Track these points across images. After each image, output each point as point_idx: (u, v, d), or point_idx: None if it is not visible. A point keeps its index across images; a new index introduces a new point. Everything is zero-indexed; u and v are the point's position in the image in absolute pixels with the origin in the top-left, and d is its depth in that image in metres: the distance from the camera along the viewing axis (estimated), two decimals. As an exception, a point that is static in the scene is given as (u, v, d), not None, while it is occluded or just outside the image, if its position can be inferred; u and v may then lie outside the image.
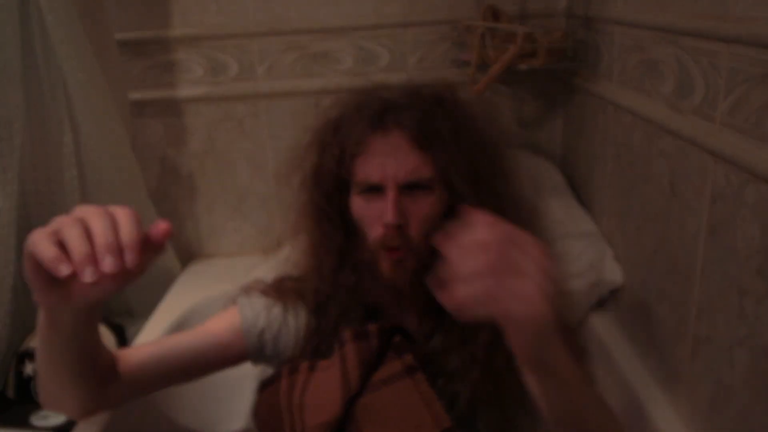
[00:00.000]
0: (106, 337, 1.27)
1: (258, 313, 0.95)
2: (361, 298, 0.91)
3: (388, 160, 0.83)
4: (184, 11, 1.38)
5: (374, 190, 0.84)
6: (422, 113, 0.85)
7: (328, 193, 0.90)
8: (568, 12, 1.35)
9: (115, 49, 1.33)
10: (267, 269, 1.05)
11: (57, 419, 1.11)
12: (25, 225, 1.36)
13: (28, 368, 1.18)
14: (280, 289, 0.96)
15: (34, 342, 1.20)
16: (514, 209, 0.92)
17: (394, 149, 0.83)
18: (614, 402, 0.80)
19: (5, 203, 1.19)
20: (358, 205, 0.87)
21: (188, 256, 1.56)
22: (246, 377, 1.33)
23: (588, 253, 1.14)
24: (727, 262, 0.76)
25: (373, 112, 0.86)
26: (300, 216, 0.94)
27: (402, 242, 0.83)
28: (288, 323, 0.95)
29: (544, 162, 1.42)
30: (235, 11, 1.38)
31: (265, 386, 0.88)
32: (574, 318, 1.14)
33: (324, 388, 0.82)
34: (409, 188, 0.83)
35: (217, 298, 1.32)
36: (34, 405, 1.16)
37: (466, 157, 0.86)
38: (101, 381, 0.81)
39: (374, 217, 0.84)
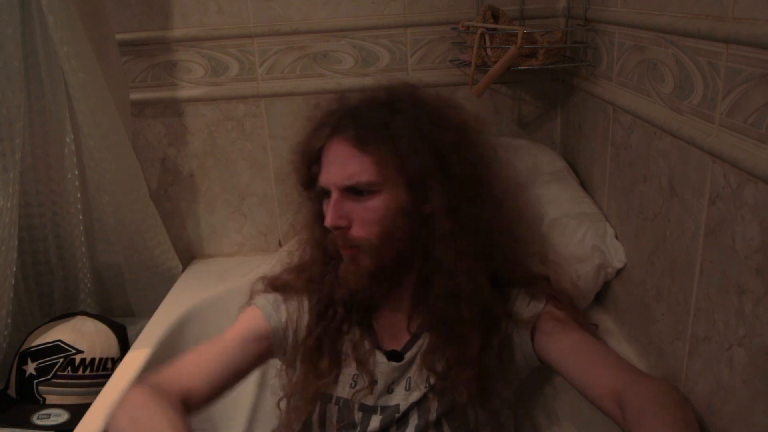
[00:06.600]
0: (108, 337, 1.27)
1: (279, 308, 0.99)
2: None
3: (332, 167, 0.90)
4: (184, 11, 1.39)
5: (329, 194, 0.91)
6: (368, 119, 0.90)
7: (314, 194, 0.97)
8: (568, 12, 1.35)
9: (115, 49, 1.33)
10: (273, 263, 1.10)
11: (58, 418, 1.12)
12: (26, 225, 1.36)
13: (30, 367, 1.18)
14: (286, 283, 1.02)
15: (35, 341, 1.21)
16: (496, 195, 0.96)
17: (338, 156, 0.90)
18: (613, 401, 0.81)
19: (6, 203, 1.19)
20: (324, 207, 0.93)
21: (189, 256, 1.56)
22: (246, 381, 1.33)
23: (590, 234, 1.14)
24: (725, 261, 0.76)
25: (333, 121, 0.92)
26: (298, 213, 1.02)
27: (344, 242, 0.90)
28: (303, 312, 1.00)
29: (546, 148, 1.40)
30: (235, 11, 1.39)
31: None
32: (581, 303, 1.14)
33: None
34: (354, 192, 0.89)
35: (218, 298, 1.33)
36: (35, 404, 1.16)
37: (421, 153, 0.89)
38: None
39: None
